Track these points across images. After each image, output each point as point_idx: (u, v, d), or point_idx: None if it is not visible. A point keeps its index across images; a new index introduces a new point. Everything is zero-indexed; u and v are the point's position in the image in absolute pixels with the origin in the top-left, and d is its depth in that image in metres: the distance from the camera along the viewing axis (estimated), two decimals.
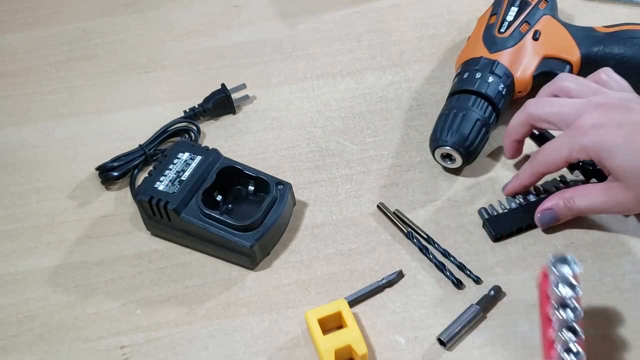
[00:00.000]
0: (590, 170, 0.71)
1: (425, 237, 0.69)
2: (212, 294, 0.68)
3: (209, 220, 0.68)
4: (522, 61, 0.75)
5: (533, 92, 0.73)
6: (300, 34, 0.90)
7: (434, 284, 0.66)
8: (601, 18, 0.87)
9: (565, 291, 0.57)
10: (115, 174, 0.76)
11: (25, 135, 0.82)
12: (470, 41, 0.79)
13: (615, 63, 0.74)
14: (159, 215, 0.69)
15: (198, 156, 0.72)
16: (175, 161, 0.71)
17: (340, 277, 0.68)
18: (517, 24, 0.77)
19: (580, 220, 0.68)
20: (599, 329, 0.62)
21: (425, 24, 0.89)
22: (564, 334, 0.56)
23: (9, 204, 0.76)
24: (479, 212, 0.70)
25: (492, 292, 0.65)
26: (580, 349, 0.56)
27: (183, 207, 0.68)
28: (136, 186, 0.74)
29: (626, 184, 0.62)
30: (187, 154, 0.72)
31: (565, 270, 0.57)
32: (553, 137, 0.71)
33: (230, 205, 0.72)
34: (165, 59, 0.89)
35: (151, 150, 0.77)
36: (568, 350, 0.56)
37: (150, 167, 0.74)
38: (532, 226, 0.69)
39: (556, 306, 0.57)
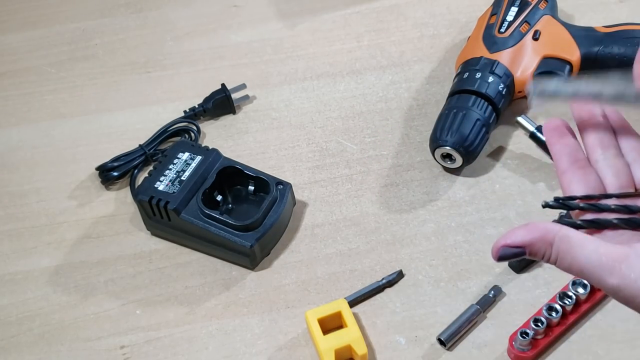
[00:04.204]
0: None
1: None
2: (212, 294, 0.68)
3: (209, 220, 0.68)
4: (522, 61, 0.75)
5: None
6: (300, 34, 0.90)
7: (434, 284, 0.66)
8: (601, 18, 0.87)
9: None
10: (115, 174, 0.76)
11: (25, 135, 0.82)
12: (470, 41, 0.79)
13: (615, 63, 0.75)
14: (159, 215, 0.69)
15: (198, 156, 0.71)
16: (175, 161, 0.71)
17: (340, 277, 0.68)
18: (517, 24, 0.77)
19: None
20: (596, 329, 0.63)
21: (425, 24, 0.89)
22: None
23: (9, 204, 0.76)
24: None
25: (492, 292, 0.65)
26: None
27: (183, 207, 0.68)
28: (136, 186, 0.74)
29: None
30: (187, 154, 0.72)
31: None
32: None
33: (230, 205, 0.72)
34: (165, 59, 0.89)
35: (151, 150, 0.77)
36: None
37: (150, 167, 0.74)
38: None
39: None
